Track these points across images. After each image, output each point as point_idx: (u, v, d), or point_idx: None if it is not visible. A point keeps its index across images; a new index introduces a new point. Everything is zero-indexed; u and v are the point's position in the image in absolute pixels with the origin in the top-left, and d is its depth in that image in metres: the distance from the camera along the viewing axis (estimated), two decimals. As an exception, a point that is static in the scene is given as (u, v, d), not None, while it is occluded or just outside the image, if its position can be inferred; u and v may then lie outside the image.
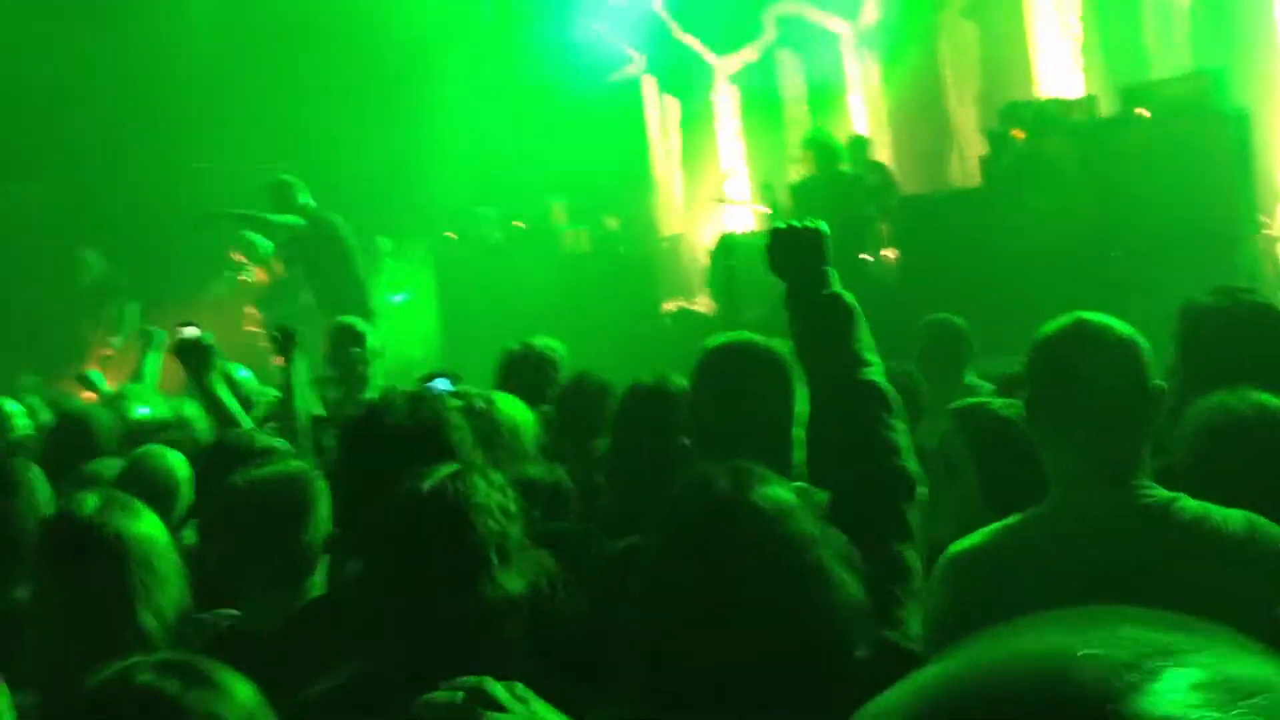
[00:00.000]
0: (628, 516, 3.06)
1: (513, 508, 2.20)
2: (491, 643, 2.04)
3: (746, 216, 11.19)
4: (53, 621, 2.53)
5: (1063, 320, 2.48)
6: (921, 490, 2.46)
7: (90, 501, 2.60)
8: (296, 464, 2.97)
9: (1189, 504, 2.38)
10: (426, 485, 2.18)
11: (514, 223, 12.29)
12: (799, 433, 2.71)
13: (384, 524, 2.19)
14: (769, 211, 11.00)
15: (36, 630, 2.56)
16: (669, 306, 11.44)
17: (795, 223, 2.85)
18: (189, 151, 11.90)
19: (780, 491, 1.82)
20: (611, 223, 12.64)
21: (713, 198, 9.58)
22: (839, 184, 9.60)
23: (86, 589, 2.49)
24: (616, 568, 2.53)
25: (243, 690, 1.72)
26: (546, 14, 13.62)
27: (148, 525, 2.62)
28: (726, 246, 8.93)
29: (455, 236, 12.50)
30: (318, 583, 2.84)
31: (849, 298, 2.68)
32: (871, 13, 12.67)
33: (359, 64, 12.55)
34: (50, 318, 10.77)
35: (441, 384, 3.47)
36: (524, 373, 4.71)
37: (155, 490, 3.42)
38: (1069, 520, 2.40)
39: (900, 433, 2.50)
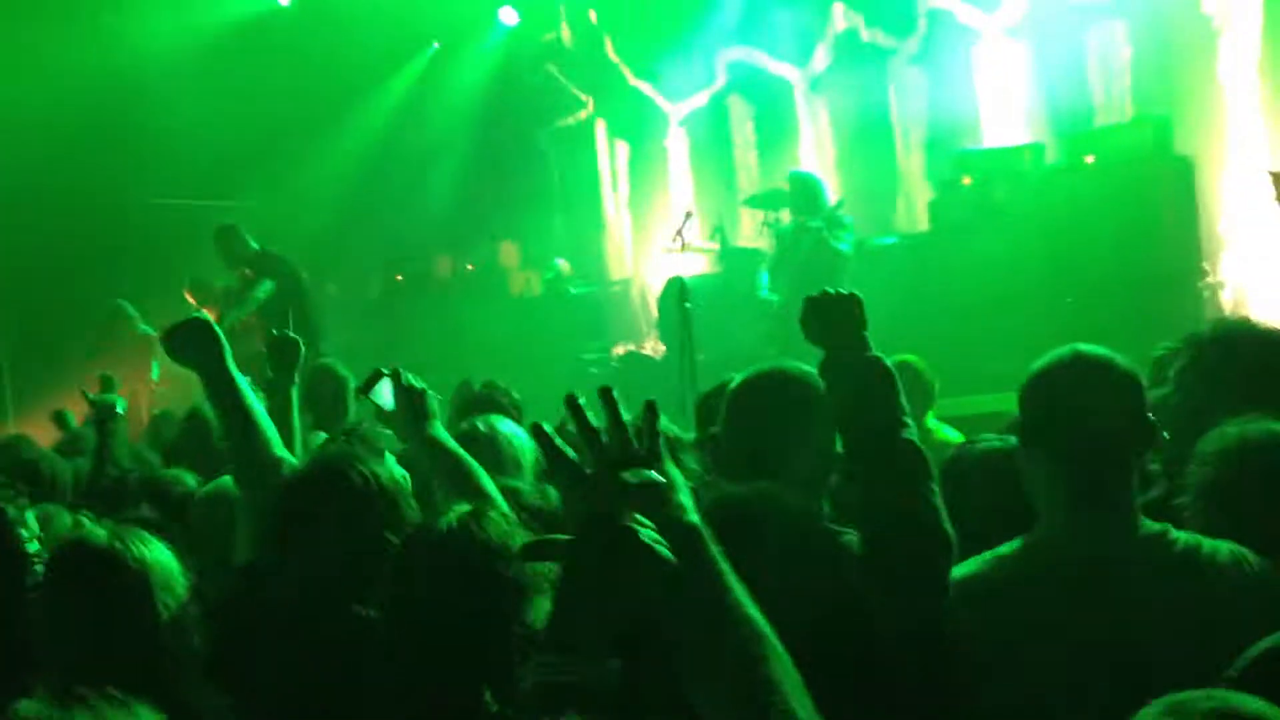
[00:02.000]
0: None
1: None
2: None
3: (697, 259, 11.19)
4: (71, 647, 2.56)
5: (1061, 352, 2.52)
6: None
7: (102, 532, 2.67)
8: None
9: (1180, 535, 2.42)
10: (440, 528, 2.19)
11: (466, 265, 12.25)
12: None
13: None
14: (717, 249, 11.02)
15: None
16: (618, 350, 11.42)
17: (830, 290, 2.88)
18: (144, 188, 11.79)
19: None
20: (563, 265, 12.63)
21: (669, 240, 9.56)
22: (806, 231, 9.67)
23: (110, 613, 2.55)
24: None
25: None
26: (500, 56, 13.63)
27: (159, 553, 2.65)
28: (680, 289, 8.91)
29: (402, 278, 12.44)
30: None
31: (888, 361, 2.73)
32: (822, 60, 12.79)
33: (311, 99, 12.52)
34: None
35: (385, 388, 3.33)
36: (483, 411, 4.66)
37: None
38: (1064, 549, 2.43)
39: (937, 495, 2.57)
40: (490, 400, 5.20)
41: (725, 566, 1.58)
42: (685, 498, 1.61)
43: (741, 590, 1.57)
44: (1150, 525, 2.43)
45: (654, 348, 10.99)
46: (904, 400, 2.71)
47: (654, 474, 1.59)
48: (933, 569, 2.45)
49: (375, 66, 13.43)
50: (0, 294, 10.86)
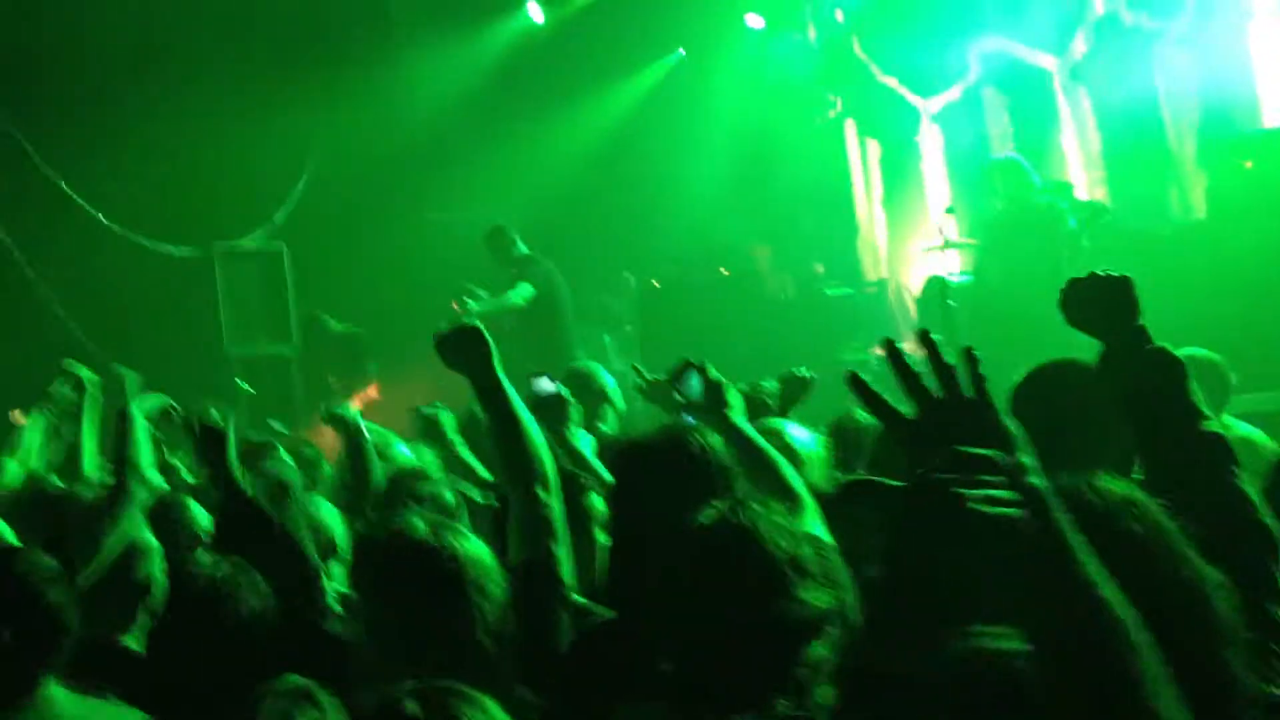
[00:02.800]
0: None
1: (796, 530, 2.21)
2: (800, 658, 2.03)
3: (957, 257, 10.95)
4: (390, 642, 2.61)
5: None
6: None
7: (421, 525, 2.69)
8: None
9: None
10: (709, 519, 2.19)
11: (720, 269, 12.31)
12: None
13: (676, 560, 2.20)
14: (969, 244, 10.71)
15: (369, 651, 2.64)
16: (877, 351, 11.25)
17: (1099, 271, 2.71)
18: (423, 203, 12.44)
19: None
20: (817, 268, 12.55)
21: (928, 240, 9.38)
22: (1033, 210, 9.26)
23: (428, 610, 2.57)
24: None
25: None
26: (747, 59, 13.66)
27: (476, 548, 2.70)
28: (940, 288, 8.75)
29: (659, 284, 12.58)
30: None
31: (1174, 350, 2.58)
32: (1081, 46, 12.32)
33: (565, 111, 12.91)
34: (293, 373, 11.24)
35: (693, 379, 3.42)
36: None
37: None
38: None
39: (1250, 485, 2.41)
40: (754, 401, 5.19)
41: (1077, 538, 1.46)
42: (1028, 457, 1.50)
43: (1096, 566, 1.45)
44: None
45: (914, 348, 10.81)
46: (1198, 388, 2.56)
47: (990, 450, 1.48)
48: (1261, 568, 2.27)
49: (625, 77, 13.69)
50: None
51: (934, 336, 1.58)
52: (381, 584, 2.73)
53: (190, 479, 5.26)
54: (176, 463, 5.32)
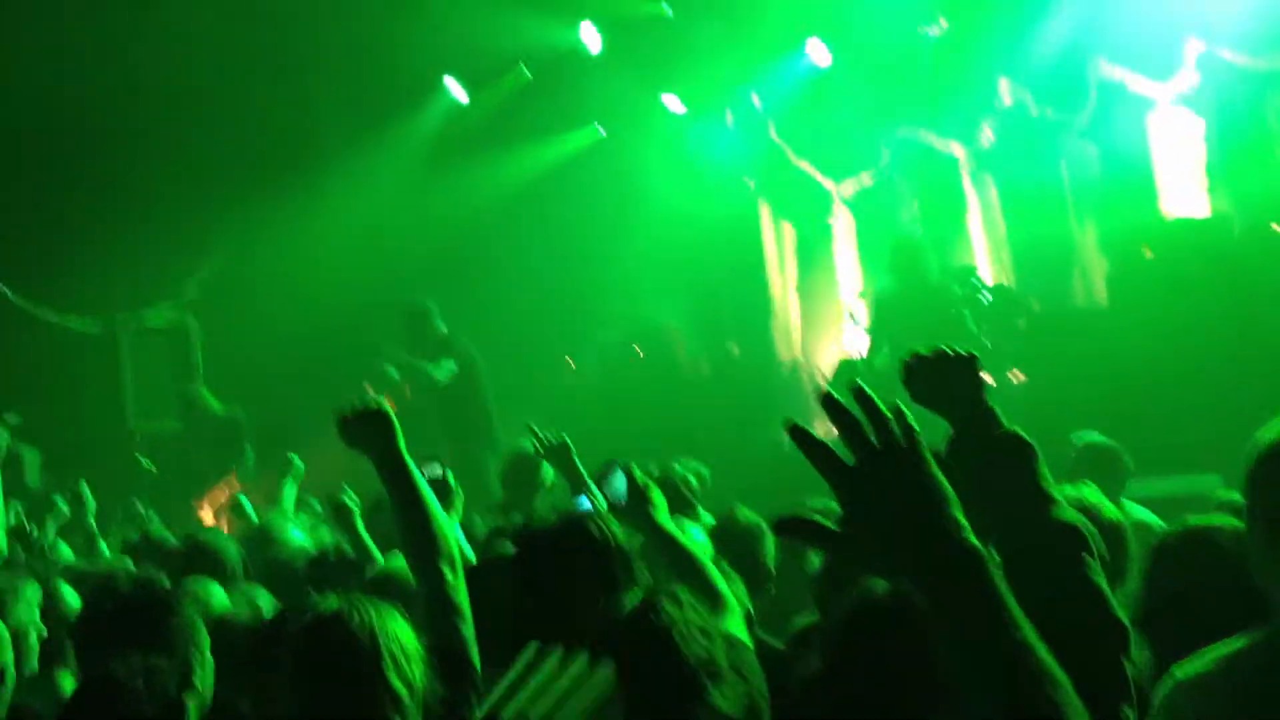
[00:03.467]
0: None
1: (711, 628, 2.18)
2: None
3: (867, 340, 11.09)
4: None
5: None
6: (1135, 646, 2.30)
7: (333, 601, 2.64)
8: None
9: None
10: (625, 612, 2.16)
11: (636, 350, 12.34)
12: None
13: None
14: (856, 324, 10.80)
15: None
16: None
17: (946, 348, 2.62)
18: (342, 282, 12.38)
19: None
20: (732, 348, 12.63)
21: (839, 322, 9.48)
22: (927, 291, 9.34)
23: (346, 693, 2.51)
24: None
25: None
26: (666, 140, 13.82)
27: (396, 622, 2.64)
28: (849, 370, 8.83)
29: (574, 364, 12.60)
30: None
31: (1023, 434, 2.50)
32: (989, 135, 12.64)
33: (493, 194, 12.99)
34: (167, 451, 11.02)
35: (617, 480, 3.40)
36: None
37: None
38: None
39: (1103, 577, 2.32)
40: (667, 484, 5.20)
41: (1006, 594, 1.47)
42: (959, 513, 1.51)
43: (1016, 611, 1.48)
44: None
45: (826, 430, 10.87)
46: (1047, 472, 2.48)
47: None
48: (1114, 666, 2.21)
49: (544, 151, 13.78)
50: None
51: (866, 391, 1.58)
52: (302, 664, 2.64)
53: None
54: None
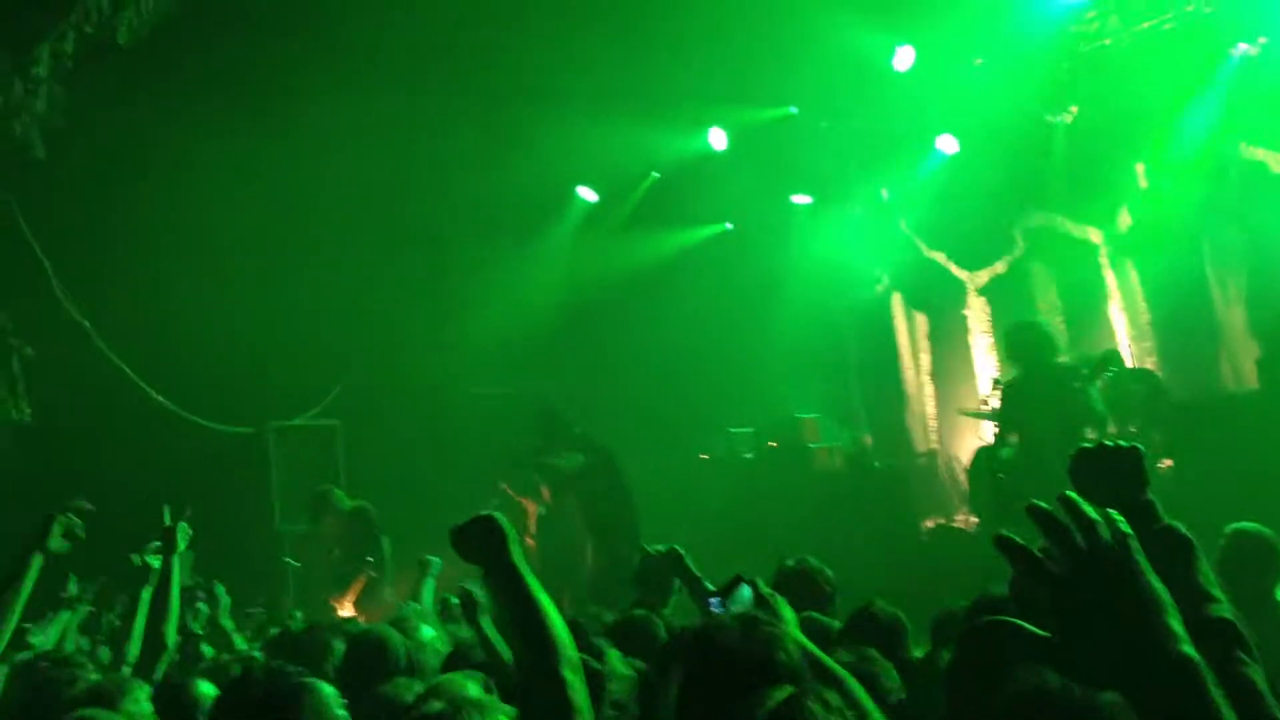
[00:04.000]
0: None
1: None
2: None
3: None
4: None
5: None
6: None
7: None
8: None
9: None
10: (764, 710, 2.15)
11: (768, 443, 12.30)
12: None
13: None
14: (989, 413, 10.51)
15: None
16: (928, 524, 11.13)
17: (1110, 442, 2.64)
18: (463, 376, 12.64)
19: None
20: (866, 439, 12.51)
21: (961, 408, 9.32)
22: (1054, 374, 8.98)
23: None
24: None
25: None
26: (795, 234, 13.88)
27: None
28: (987, 459, 8.67)
29: (708, 457, 12.58)
30: None
31: (1183, 528, 2.48)
32: (1126, 219, 12.42)
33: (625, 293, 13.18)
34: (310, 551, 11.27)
35: (743, 594, 3.32)
36: (796, 587, 4.64)
37: None
38: None
39: (1261, 676, 2.25)
40: (805, 576, 5.14)
41: (1224, 706, 1.44)
42: (1176, 622, 1.49)
43: None
44: None
45: (966, 520, 10.66)
46: (1208, 570, 2.44)
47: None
48: None
49: (674, 249, 13.96)
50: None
51: (1072, 498, 1.57)
52: None
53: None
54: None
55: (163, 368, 11.29)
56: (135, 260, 10.76)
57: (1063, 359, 9.26)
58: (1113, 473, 2.60)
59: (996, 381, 9.70)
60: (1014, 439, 8.86)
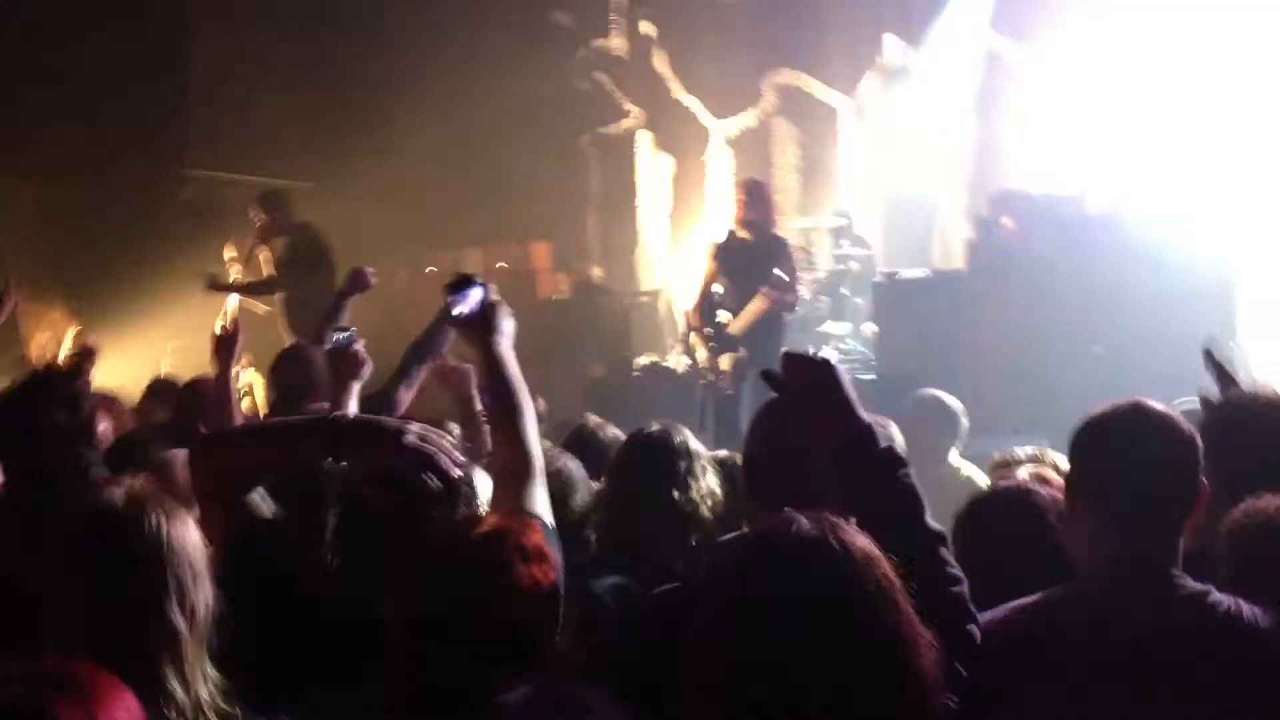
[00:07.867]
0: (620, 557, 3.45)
1: None
2: None
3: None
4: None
5: (1122, 405, 2.47)
6: None
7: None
8: None
9: (1221, 598, 2.36)
10: None
11: (498, 264, 12.21)
12: None
13: None
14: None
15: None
16: (641, 361, 11.35)
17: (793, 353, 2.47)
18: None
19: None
20: (597, 271, 12.57)
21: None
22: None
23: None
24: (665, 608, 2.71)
25: None
26: (550, 58, 13.60)
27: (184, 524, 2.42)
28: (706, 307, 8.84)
29: (435, 270, 12.38)
30: None
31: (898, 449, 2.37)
32: (869, 90, 12.79)
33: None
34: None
35: (472, 296, 3.08)
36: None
37: None
38: (1104, 603, 2.36)
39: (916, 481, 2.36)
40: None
41: None
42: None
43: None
44: (1193, 585, 2.37)
45: (676, 360, 10.90)
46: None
47: None
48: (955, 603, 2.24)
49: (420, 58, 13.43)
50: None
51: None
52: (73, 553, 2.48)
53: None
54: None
55: None
56: None
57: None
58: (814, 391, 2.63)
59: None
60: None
